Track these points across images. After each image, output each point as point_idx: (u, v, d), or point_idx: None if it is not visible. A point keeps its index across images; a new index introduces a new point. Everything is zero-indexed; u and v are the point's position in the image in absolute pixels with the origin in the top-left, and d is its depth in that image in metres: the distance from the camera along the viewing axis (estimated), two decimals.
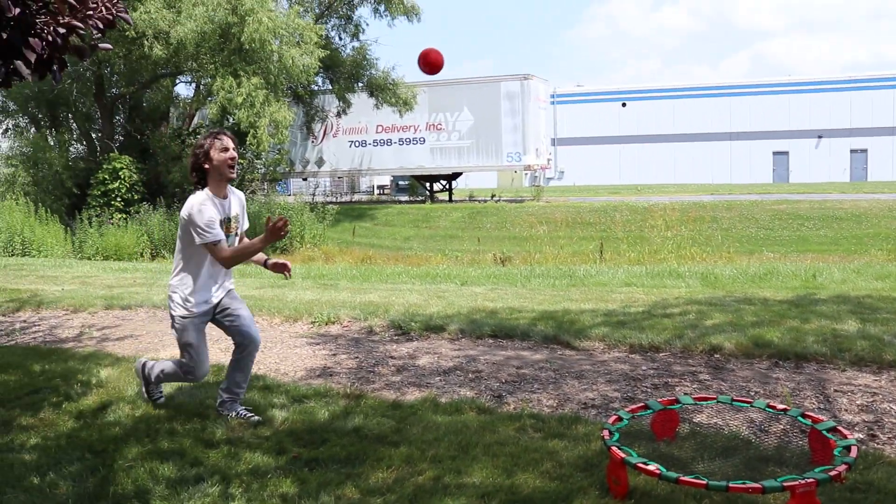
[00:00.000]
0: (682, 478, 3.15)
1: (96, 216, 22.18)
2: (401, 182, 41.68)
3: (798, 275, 9.91)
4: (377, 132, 31.99)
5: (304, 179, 36.88)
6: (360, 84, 27.12)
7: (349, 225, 26.20)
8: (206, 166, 4.42)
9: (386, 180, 44.31)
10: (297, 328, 7.87)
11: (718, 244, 20.33)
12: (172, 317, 4.59)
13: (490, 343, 6.83)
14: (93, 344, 7.29)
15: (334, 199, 35.77)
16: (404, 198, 37.86)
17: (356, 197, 39.60)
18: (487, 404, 4.95)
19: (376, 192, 45.13)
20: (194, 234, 4.35)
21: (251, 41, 19.22)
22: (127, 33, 20.52)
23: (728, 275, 10.10)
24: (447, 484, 3.61)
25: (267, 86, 20.28)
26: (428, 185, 34.07)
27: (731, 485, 3.07)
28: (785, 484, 3.01)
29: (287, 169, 31.81)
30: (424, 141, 31.19)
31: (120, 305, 9.25)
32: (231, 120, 22.74)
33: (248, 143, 21.67)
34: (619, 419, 3.85)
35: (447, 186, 33.62)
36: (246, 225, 4.77)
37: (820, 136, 55.15)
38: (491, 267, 13.75)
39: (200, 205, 4.35)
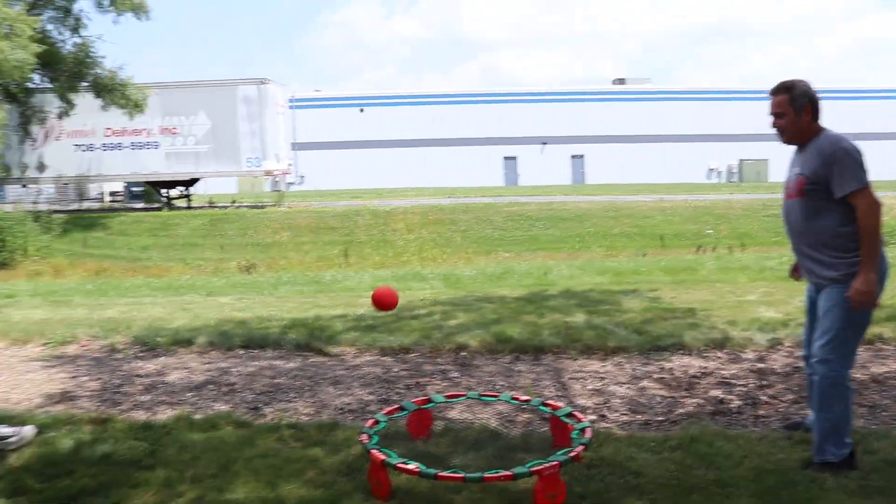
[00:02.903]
0: (441, 473, 3.31)
1: None
2: (134, 188, 39.36)
3: (531, 273, 10.64)
4: (106, 135, 29.98)
5: (24, 186, 33.74)
6: (85, 84, 25.26)
7: (80, 235, 24.39)
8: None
9: (119, 186, 41.65)
10: (28, 351, 7.24)
11: (458, 245, 21.23)
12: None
13: (241, 354, 6.69)
14: None
15: (60, 208, 33.09)
16: (139, 205, 35.81)
17: (86, 205, 36.81)
18: (244, 417, 4.86)
19: (108, 199, 42.27)
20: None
21: None
22: None
23: (469, 275, 10.64)
24: (210, 503, 3.53)
25: None
26: (165, 191, 32.53)
27: (485, 475, 3.28)
28: (532, 469, 3.27)
29: (2, 175, 28.98)
30: (159, 145, 29.72)
31: None
32: None
33: None
34: (377, 422, 3.96)
35: (185, 193, 32.31)
36: None
37: (544, 143, 59.46)
38: (236, 275, 13.45)
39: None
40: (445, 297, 8.84)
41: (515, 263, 13.13)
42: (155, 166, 30.11)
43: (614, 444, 4.11)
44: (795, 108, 3.75)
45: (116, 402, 5.41)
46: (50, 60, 24.24)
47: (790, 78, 3.83)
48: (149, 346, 7.02)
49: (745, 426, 4.58)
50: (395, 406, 4.28)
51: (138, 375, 6.10)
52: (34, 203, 31.15)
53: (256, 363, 6.36)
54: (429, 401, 4.29)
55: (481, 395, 4.39)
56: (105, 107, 25.97)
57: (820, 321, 3.80)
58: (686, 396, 5.15)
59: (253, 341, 6.90)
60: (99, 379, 6.05)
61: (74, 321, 8.04)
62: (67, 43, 25.96)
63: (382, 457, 3.47)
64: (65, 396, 5.64)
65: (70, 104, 25.78)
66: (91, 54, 25.31)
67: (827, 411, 3.71)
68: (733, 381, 5.44)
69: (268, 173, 30.63)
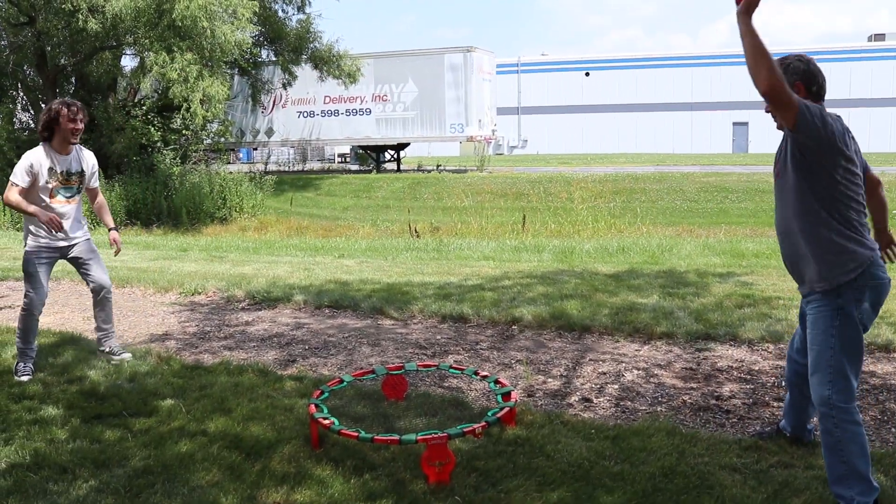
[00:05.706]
0: (343, 430, 3.81)
1: None
2: (360, 151, 42.20)
3: (648, 250, 10.58)
4: (325, 103, 32.39)
5: (255, 149, 37.39)
6: (304, 57, 27.46)
7: (291, 195, 26.67)
8: (56, 128, 5.32)
9: (346, 149, 44.74)
10: (166, 298, 8.46)
11: (641, 216, 20.94)
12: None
13: (326, 313, 7.45)
14: None
15: (285, 169, 36.24)
16: (354, 167, 38.38)
17: (309, 166, 40.01)
18: (271, 368, 5.56)
19: (337, 160, 45.65)
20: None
21: (182, 18, 19.55)
22: (64, 6, 20.86)
23: (586, 250, 10.75)
24: (186, 432, 4.24)
25: (201, 61, 20.63)
26: (377, 155, 34.61)
27: (375, 437, 3.74)
28: (420, 438, 3.68)
29: (235, 140, 32.28)
30: (370, 112, 31.64)
31: (14, 277, 9.78)
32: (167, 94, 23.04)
33: (183, 116, 22.10)
34: (341, 381, 4.52)
35: (395, 157, 34.18)
36: (94, 184, 5.72)
37: None
38: (393, 239, 14.35)
39: (29, 154, 5.35)
40: (542, 270, 9.10)
41: (644, 238, 12.96)
42: (367, 131, 32.11)
43: (555, 426, 4.20)
44: None
45: (193, 345, 6.36)
46: (275, 37, 26.74)
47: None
48: (257, 300, 7.99)
49: (723, 426, 4.39)
50: (368, 369, 4.81)
51: (228, 325, 7.04)
52: (265, 164, 34.40)
53: (330, 321, 7.09)
54: (401, 367, 4.77)
55: (451, 367, 4.81)
56: (321, 78, 28.08)
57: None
58: (690, 389, 5.00)
59: (339, 302, 7.63)
60: (198, 325, 7.06)
61: (212, 275, 9.21)
62: (292, 20, 28.26)
63: (315, 410, 4.02)
64: (162, 336, 6.69)
65: (292, 76, 28.12)
66: (311, 30, 27.41)
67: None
68: (753, 379, 5.18)
69: (470, 139, 31.59)
